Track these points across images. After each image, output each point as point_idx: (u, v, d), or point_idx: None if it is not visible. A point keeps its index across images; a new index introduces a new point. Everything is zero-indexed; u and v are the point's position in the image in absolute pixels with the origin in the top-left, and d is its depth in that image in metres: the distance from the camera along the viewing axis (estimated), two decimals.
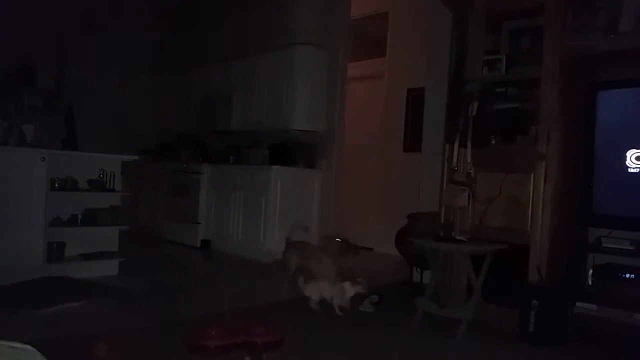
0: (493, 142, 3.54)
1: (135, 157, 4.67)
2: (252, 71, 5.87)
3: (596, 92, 3.20)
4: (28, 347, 1.15)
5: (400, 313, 3.38)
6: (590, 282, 3.12)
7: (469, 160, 3.38)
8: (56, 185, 3.93)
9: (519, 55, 3.54)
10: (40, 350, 1.15)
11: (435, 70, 4.34)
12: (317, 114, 5.45)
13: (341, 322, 3.25)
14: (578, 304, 2.96)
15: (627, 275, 2.96)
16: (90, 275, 3.95)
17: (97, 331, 2.75)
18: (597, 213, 3.17)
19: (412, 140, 5.53)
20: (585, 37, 3.14)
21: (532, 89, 3.35)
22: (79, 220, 4.11)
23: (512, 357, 2.77)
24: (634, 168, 3.03)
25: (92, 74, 6.37)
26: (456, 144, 3.47)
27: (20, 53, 5.78)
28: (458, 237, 3.21)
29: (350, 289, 3.33)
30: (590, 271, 3.13)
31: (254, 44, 5.84)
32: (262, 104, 5.75)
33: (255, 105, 5.83)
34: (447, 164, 3.64)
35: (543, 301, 2.95)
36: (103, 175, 4.26)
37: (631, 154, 3.03)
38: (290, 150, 5.54)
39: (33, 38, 5.86)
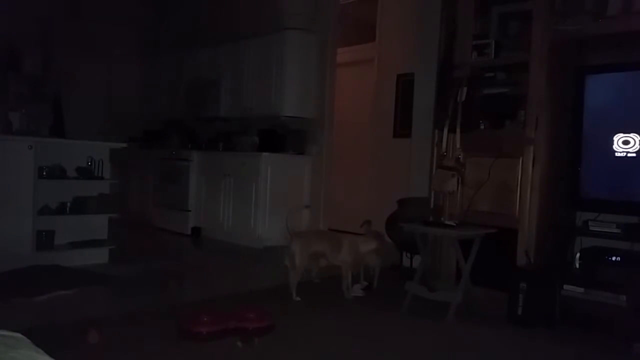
0: (482, 127, 3.56)
1: (124, 145, 4.63)
2: (241, 56, 5.82)
3: (584, 77, 3.21)
4: (18, 334, 1.15)
5: (391, 297, 3.42)
6: (577, 265, 3.16)
7: (458, 145, 3.39)
8: (44, 173, 3.90)
9: (508, 40, 3.54)
10: (30, 339, 1.15)
11: (424, 56, 4.33)
12: (307, 100, 5.43)
13: (332, 306, 3.27)
14: (565, 286, 3.00)
15: (614, 258, 3.00)
16: (80, 263, 3.93)
17: (88, 319, 2.75)
18: (584, 197, 3.20)
19: (402, 126, 5.53)
20: (574, 21, 3.14)
21: (520, 73, 3.36)
22: (67, 209, 4.08)
23: (501, 340, 2.81)
24: (620, 152, 3.05)
25: (79, 60, 6.28)
26: (445, 129, 3.47)
27: (5, 39, 5.68)
28: (447, 222, 3.24)
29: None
30: (578, 254, 3.17)
31: (242, 28, 5.78)
32: (250, 89, 5.71)
33: (243, 91, 5.79)
34: (437, 149, 3.66)
35: (531, 284, 2.99)
36: (91, 163, 4.23)
37: (618, 138, 3.05)
38: (280, 137, 5.52)
39: (18, 24, 5.77)
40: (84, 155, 4.21)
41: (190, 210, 5.80)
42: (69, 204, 4.09)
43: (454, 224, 3.20)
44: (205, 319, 2.55)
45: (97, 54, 6.45)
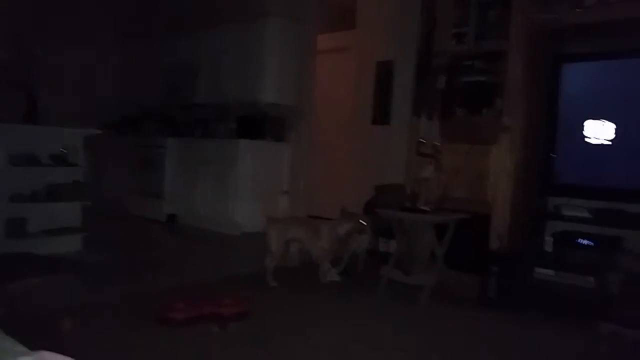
0: (459, 114, 3.59)
1: (99, 131, 4.55)
2: (220, 42, 5.75)
3: (561, 65, 3.26)
4: None
5: (367, 281, 3.45)
6: (548, 249, 3.22)
7: (436, 132, 3.41)
8: (16, 160, 3.82)
9: (487, 28, 3.56)
10: (2, 327, 1.13)
11: (404, 43, 4.33)
12: (286, 87, 5.40)
13: (308, 291, 3.28)
14: (537, 269, 3.06)
15: (584, 242, 3.07)
16: (54, 251, 3.87)
17: (62, 306, 2.72)
18: (557, 182, 3.26)
19: (381, 113, 5.53)
20: (552, 10, 3.17)
21: (498, 62, 3.39)
22: (40, 196, 4.00)
23: (473, 322, 2.86)
24: (593, 139, 3.10)
25: (53, 45, 6.13)
26: (424, 117, 3.50)
27: None
28: (423, 208, 3.26)
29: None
30: (549, 238, 3.23)
31: (222, 14, 5.71)
32: (229, 76, 5.65)
33: (222, 78, 5.73)
34: (415, 136, 3.68)
35: (503, 267, 3.04)
36: (65, 150, 4.14)
37: (592, 125, 3.11)
38: (258, 124, 5.49)
39: None
40: (57, 142, 4.12)
41: (165, 197, 5.75)
42: (42, 192, 4.01)
43: (429, 210, 3.23)
44: (180, 305, 2.54)
45: (73, 39, 6.29)
